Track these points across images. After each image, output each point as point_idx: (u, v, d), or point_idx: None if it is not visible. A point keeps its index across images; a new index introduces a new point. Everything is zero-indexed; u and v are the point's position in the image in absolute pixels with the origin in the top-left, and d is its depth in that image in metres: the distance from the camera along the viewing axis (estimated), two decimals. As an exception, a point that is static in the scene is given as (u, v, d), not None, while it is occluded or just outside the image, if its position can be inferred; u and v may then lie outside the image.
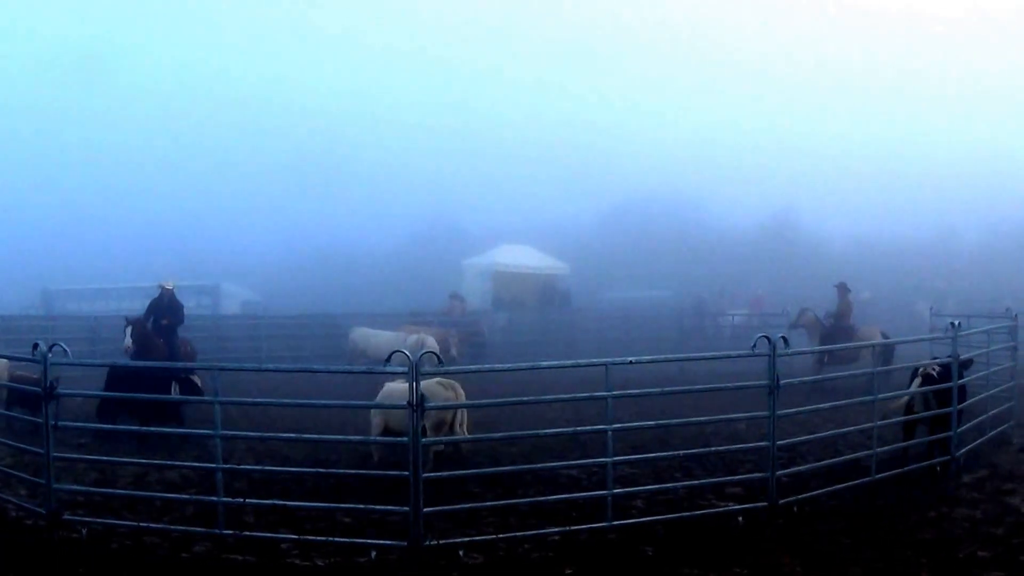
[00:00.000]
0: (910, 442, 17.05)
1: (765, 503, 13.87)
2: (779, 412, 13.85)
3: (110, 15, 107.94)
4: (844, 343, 28.11)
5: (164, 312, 25.77)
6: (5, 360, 20.95)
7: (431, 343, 30.47)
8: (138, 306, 41.40)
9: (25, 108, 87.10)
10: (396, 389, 17.16)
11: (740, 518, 13.73)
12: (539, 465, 15.75)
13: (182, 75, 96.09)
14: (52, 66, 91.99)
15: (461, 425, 17.23)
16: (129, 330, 24.50)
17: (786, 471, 14.89)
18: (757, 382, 14.15)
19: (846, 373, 20.58)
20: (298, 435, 14.84)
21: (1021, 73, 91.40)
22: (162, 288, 26.41)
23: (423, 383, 13.31)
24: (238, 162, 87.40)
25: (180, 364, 22.25)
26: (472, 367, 17.88)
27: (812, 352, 27.79)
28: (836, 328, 30.86)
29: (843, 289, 31.60)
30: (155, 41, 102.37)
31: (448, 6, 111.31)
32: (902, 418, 17.25)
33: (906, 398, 17.22)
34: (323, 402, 18.42)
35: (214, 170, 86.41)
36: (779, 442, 14.03)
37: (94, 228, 77.86)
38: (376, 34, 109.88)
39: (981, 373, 20.08)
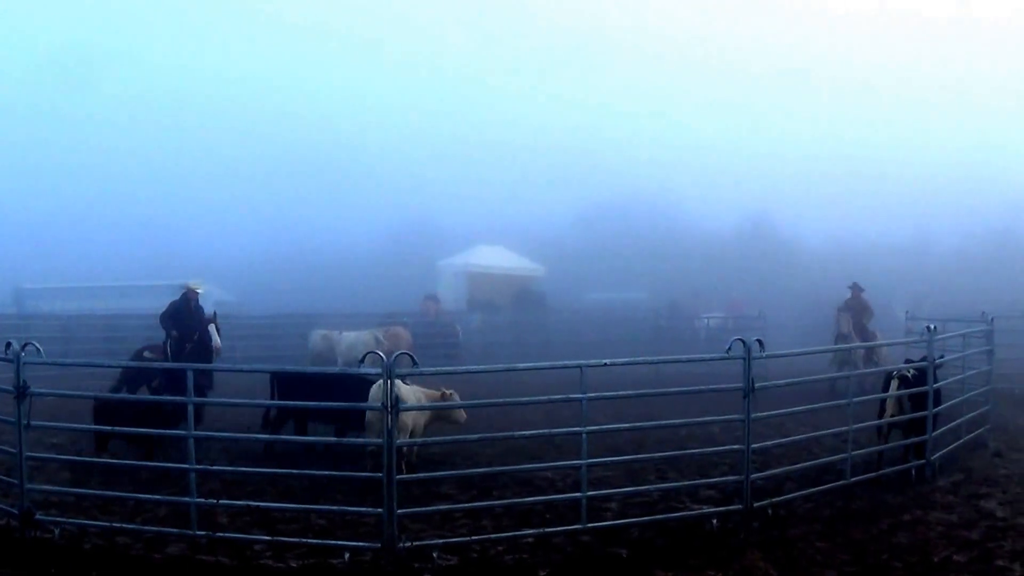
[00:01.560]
0: (885, 446, 17.07)
1: (740, 506, 13.87)
2: (754, 415, 13.85)
3: (79, 19, 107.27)
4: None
5: (191, 319, 23.66)
6: None
7: (367, 339, 30.55)
8: (112, 306, 41.35)
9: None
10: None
11: (714, 521, 13.74)
12: (514, 467, 15.74)
13: (156, 76, 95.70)
14: (27, 68, 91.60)
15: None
16: (214, 328, 23.22)
17: (761, 474, 14.90)
18: (732, 385, 14.13)
19: (823, 376, 20.63)
20: (271, 436, 14.78)
21: (999, 77, 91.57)
22: (188, 290, 24.14)
23: (378, 385, 13.35)
24: (212, 162, 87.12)
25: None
26: (447, 368, 17.89)
27: (781, 356, 27.50)
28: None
29: (856, 289, 31.18)
30: (126, 40, 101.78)
31: (423, 7, 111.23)
32: (876, 422, 17.27)
33: (892, 401, 17.19)
34: (296, 403, 18.33)
35: (187, 170, 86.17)
36: (754, 445, 14.03)
37: (67, 227, 77.60)
38: (350, 35, 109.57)
39: (957, 377, 20.14)
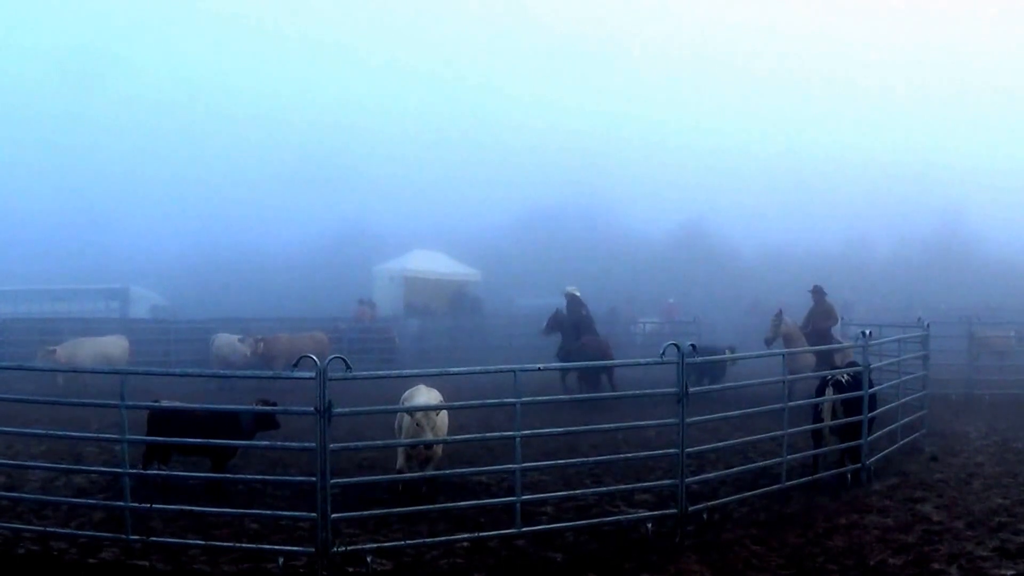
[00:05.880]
0: (820, 450, 17.12)
1: (675, 510, 13.85)
2: (689, 419, 13.85)
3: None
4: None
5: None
6: None
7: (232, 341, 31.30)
8: (47, 309, 41.07)
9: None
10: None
11: (649, 525, 13.72)
12: (448, 471, 15.72)
13: (97, 78, 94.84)
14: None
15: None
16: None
17: (696, 478, 14.92)
18: (666, 389, 14.14)
19: (756, 381, 20.65)
20: (205, 440, 14.63)
21: (933, 83, 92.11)
22: (570, 295, 23.99)
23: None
24: (146, 164, 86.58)
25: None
26: (379, 372, 17.97)
27: (715, 360, 27.14)
28: (815, 333, 30.05)
29: (819, 292, 30.68)
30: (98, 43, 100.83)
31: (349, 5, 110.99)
32: (811, 426, 17.32)
33: (827, 406, 17.20)
34: (231, 407, 18.20)
35: (122, 172, 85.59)
36: (689, 449, 14.03)
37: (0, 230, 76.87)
38: (285, 33, 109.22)
39: (893, 382, 20.26)
